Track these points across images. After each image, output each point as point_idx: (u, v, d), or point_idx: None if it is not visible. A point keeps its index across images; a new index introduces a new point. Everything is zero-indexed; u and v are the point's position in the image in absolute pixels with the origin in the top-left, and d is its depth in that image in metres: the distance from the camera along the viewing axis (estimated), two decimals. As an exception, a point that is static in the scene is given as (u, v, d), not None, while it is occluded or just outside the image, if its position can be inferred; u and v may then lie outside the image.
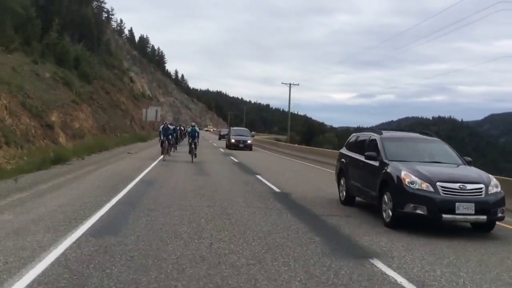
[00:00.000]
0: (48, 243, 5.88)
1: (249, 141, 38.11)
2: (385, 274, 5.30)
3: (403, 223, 8.12)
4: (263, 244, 6.34)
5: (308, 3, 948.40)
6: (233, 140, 37.65)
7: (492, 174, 9.25)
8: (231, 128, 45.69)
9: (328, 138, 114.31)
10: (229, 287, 4.58)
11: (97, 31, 62.77)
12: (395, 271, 5.43)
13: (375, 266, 5.61)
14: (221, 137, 64.91)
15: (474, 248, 6.99)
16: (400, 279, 5.12)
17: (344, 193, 10.91)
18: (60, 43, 46.30)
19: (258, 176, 15.99)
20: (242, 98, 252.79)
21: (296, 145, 45.37)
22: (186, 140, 30.04)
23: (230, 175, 16.34)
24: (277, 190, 12.71)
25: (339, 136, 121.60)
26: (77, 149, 20.97)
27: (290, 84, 56.77)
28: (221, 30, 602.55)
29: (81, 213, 7.99)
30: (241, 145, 36.95)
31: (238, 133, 40.24)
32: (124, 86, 66.10)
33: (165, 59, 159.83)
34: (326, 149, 34.53)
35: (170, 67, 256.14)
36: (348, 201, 10.73)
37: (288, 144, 47.65)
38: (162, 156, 22.32)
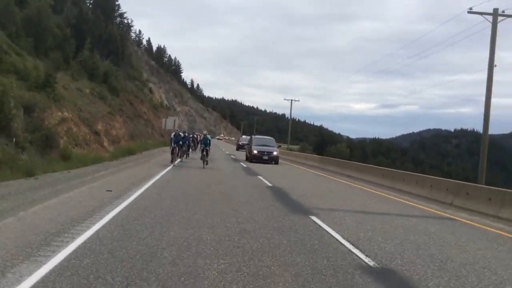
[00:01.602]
0: (140, 186, 12.73)
1: (275, 153, 32.92)
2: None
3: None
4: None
5: (329, 10, 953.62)
6: (255, 151, 32.46)
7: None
8: (253, 136, 38.57)
9: (339, 149, 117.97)
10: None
11: (121, 46, 68.99)
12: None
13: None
14: (239, 147, 58.96)
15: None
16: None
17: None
18: (91, 60, 52.46)
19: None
20: (257, 107, 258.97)
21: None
22: (199, 147, 31.17)
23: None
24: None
25: (351, 147, 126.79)
26: (132, 149, 28.90)
27: (291, 100, 65.03)
28: (238, 38, 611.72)
29: (151, 174, 15.71)
30: (265, 158, 31.92)
31: (262, 142, 34.56)
32: (144, 97, 72.19)
33: (181, 69, 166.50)
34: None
35: (186, 74, 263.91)
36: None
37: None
38: (172, 163, 23.89)
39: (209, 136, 26.35)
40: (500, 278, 6.39)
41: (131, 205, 10.42)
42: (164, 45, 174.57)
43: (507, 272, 6.75)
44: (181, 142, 26.12)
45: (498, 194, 13.55)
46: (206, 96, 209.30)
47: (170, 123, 57.78)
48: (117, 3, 77.22)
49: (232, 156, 40.80)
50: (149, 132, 57.06)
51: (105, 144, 29.05)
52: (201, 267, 5.81)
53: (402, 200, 15.57)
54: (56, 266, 5.49)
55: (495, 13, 20.89)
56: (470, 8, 21.04)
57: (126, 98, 55.93)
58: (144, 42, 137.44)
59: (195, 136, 50.57)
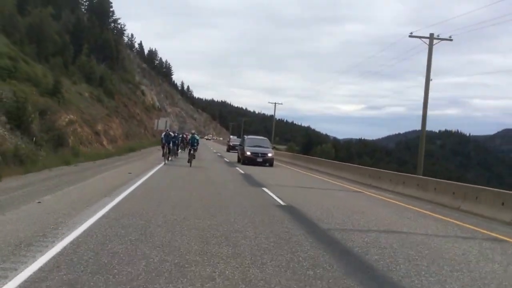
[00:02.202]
0: (142, 175, 16.05)
1: (270, 154, 30.57)
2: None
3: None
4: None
5: (317, 13, 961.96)
6: (248, 153, 30.11)
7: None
8: (246, 137, 34.65)
9: (324, 149, 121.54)
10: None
11: (116, 51, 72.50)
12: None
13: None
14: (230, 148, 54.72)
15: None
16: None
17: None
18: (89, 64, 55.96)
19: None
20: (246, 108, 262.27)
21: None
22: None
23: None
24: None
25: (336, 147, 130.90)
26: (132, 147, 32.40)
27: (275, 104, 69.07)
28: (227, 39, 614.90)
29: (153, 165, 20.18)
30: (259, 160, 29.60)
31: (255, 143, 32.01)
32: (137, 99, 75.75)
33: (172, 71, 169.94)
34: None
35: (177, 75, 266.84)
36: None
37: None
38: (163, 161, 25.17)
39: (196, 136, 26.80)
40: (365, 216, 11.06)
41: (147, 180, 15.94)
42: (155, 48, 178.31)
43: (373, 213, 11.47)
44: (171, 142, 27.00)
45: (399, 177, 19.50)
46: (196, 97, 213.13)
47: (162, 124, 61.31)
48: (111, 9, 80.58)
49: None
50: (142, 132, 60.67)
51: (104, 143, 32.70)
52: (193, 205, 10.90)
53: (335, 182, 21.62)
54: (120, 200, 10.87)
55: (431, 37, 25.28)
56: (411, 33, 25.39)
57: (121, 100, 59.51)
58: (136, 45, 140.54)
59: (185, 136, 53.76)
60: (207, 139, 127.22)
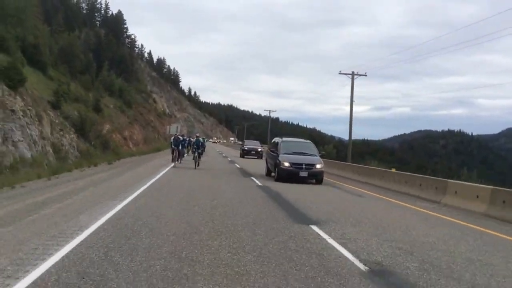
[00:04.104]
0: (158, 172, 24.18)
1: (318, 166, 20.83)
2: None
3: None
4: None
5: (321, 16, 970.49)
6: (286, 164, 20.50)
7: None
8: (280, 140, 23.24)
9: (326, 150, 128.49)
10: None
11: (131, 65, 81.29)
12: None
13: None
14: (245, 153, 46.58)
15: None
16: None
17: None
18: (109, 79, 64.48)
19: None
20: (252, 111, 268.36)
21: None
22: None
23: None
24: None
25: (339, 148, 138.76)
26: (159, 147, 40.92)
27: (269, 111, 77.56)
28: (233, 43, 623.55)
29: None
30: (303, 174, 20.38)
31: (294, 148, 22.07)
32: (150, 107, 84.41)
33: (180, 78, 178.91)
34: None
35: (184, 80, 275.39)
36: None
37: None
38: (172, 164, 26.41)
39: (201, 139, 27.21)
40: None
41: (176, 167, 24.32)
42: (163, 57, 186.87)
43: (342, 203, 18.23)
44: (180, 145, 27.10)
45: (360, 168, 25.81)
46: (203, 101, 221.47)
47: (173, 129, 69.81)
48: (124, 26, 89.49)
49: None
50: (156, 137, 69.24)
51: (130, 146, 41.26)
52: (197, 190, 18.06)
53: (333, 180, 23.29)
54: (156, 180, 17.68)
55: (352, 74, 39.04)
56: (340, 71, 39.23)
57: (137, 109, 68.10)
58: (146, 55, 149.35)
59: (191, 139, 60.71)
60: (213, 142, 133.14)
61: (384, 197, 16.39)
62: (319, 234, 8.43)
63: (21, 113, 18.94)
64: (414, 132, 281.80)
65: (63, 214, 9.43)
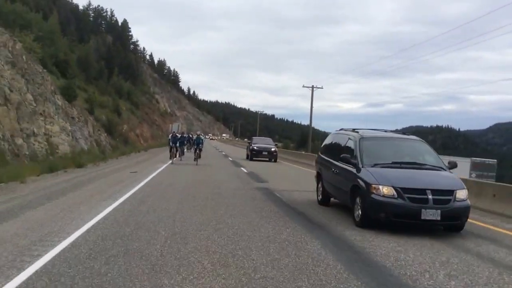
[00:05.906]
0: (162, 164, 33.22)
1: (461, 195, 8.79)
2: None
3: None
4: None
5: (317, 13, 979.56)
6: (385, 191, 8.57)
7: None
8: (358, 136, 10.40)
9: (317, 145, 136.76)
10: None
11: (137, 69, 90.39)
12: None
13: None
14: (254, 154, 34.98)
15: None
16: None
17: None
18: (119, 83, 73.38)
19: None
20: (249, 109, 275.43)
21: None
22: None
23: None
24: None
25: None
26: (160, 144, 49.70)
27: (258, 112, 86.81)
28: (230, 41, 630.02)
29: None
30: (429, 216, 8.37)
31: (390, 152, 10.08)
32: (154, 107, 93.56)
33: (179, 78, 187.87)
34: None
35: (182, 78, 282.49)
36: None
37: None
38: (170, 160, 27.52)
39: (202, 136, 29.14)
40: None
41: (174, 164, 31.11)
42: (164, 59, 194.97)
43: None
44: (178, 143, 28.26)
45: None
46: (201, 99, 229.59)
47: (175, 127, 78.65)
48: (130, 33, 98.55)
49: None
50: (160, 134, 78.46)
51: (142, 142, 50.38)
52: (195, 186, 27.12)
53: (297, 166, 31.46)
54: (162, 170, 24.19)
55: (312, 87, 50.00)
56: (303, 85, 49.25)
57: (144, 110, 77.21)
58: (147, 57, 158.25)
59: (190, 136, 67.16)
60: (211, 139, 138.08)
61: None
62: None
63: (77, 119, 28.02)
64: (406, 128, 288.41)
65: (131, 176, 18.51)
